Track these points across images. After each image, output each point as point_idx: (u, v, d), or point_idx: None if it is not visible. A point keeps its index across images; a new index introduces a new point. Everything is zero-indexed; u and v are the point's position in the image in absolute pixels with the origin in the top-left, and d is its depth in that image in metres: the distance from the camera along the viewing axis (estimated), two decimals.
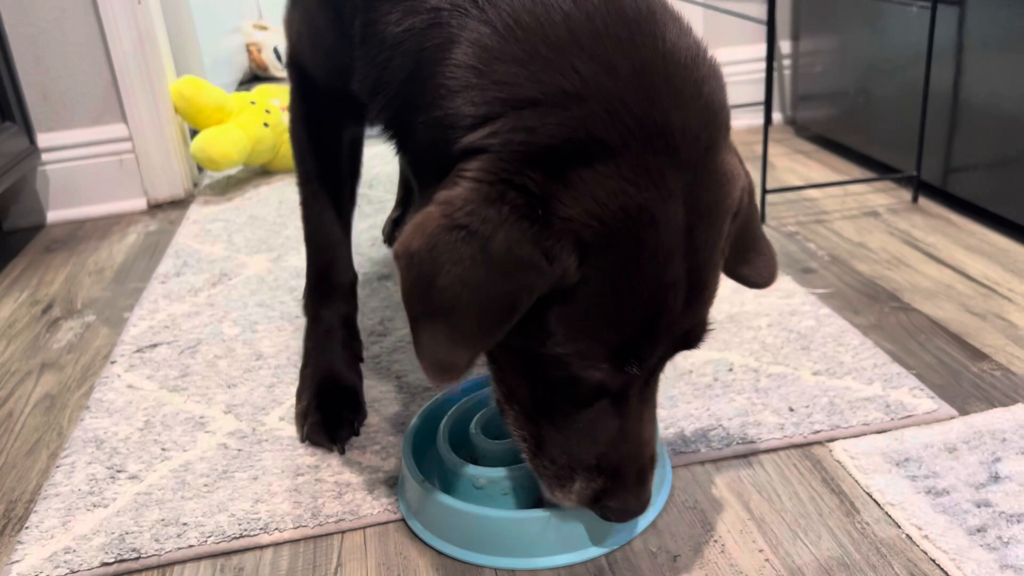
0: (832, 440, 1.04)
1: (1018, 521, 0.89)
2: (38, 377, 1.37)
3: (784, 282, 1.46)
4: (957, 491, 0.94)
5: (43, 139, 2.07)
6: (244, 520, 0.97)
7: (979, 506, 0.91)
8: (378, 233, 1.81)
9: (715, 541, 0.90)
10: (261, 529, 0.96)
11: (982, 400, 1.11)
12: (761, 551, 0.89)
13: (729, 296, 1.40)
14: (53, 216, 2.13)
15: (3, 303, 1.67)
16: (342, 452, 1.08)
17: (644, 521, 0.93)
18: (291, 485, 1.03)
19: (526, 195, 0.67)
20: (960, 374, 1.17)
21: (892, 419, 1.07)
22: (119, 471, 1.08)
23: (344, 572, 0.90)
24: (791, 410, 1.10)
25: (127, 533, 0.97)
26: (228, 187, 2.24)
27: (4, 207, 2.10)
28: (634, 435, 0.80)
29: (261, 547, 0.95)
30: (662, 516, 0.94)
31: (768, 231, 1.71)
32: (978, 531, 0.88)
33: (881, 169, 2.02)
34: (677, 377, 1.18)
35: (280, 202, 2.08)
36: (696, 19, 2.28)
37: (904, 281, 1.46)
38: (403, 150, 0.84)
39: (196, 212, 2.07)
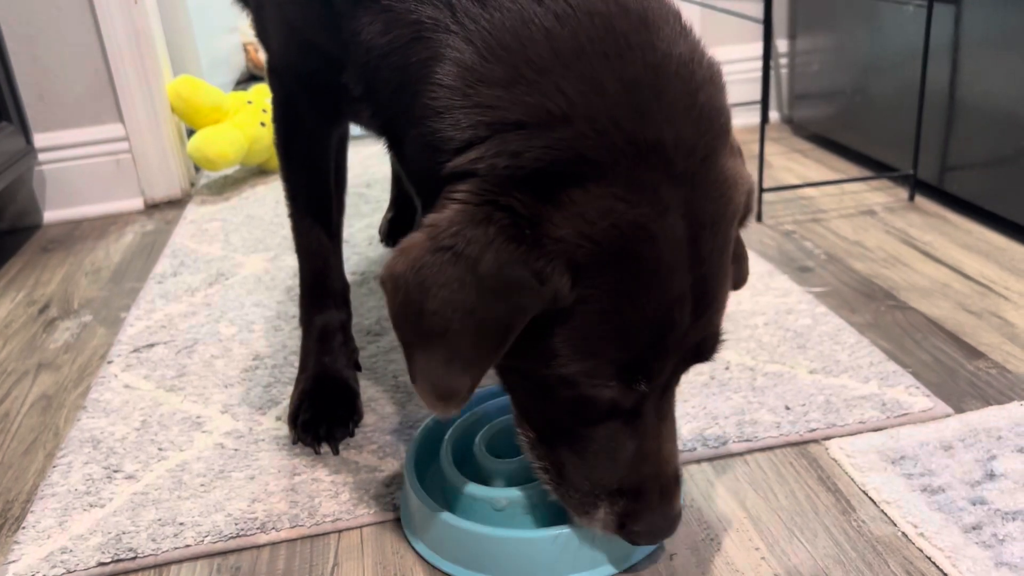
0: (828, 438, 1.05)
1: (1013, 518, 0.89)
2: (35, 377, 1.37)
3: (781, 281, 1.46)
4: (953, 489, 0.94)
5: (39, 139, 2.07)
6: (241, 520, 0.97)
7: (975, 504, 0.91)
8: (375, 232, 1.81)
9: (711, 539, 0.91)
10: (258, 529, 0.96)
11: (978, 398, 1.11)
12: (757, 549, 0.89)
13: None
14: (50, 216, 2.13)
15: (0, 303, 1.67)
16: (336, 452, 1.08)
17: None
18: (288, 485, 1.03)
19: (513, 216, 0.66)
20: (956, 372, 1.17)
21: (888, 417, 1.07)
22: (116, 471, 1.08)
23: (341, 571, 0.90)
24: (787, 408, 1.10)
25: (124, 533, 0.97)
26: (225, 187, 2.24)
27: (1, 207, 2.10)
28: (653, 453, 0.77)
29: (258, 547, 0.95)
30: None
31: (765, 230, 1.71)
32: (973, 529, 0.88)
33: (878, 168, 2.02)
34: None
35: (277, 202, 2.08)
36: (693, 18, 2.28)
37: (900, 279, 1.47)
38: (399, 158, 0.84)
39: (193, 212, 2.07)
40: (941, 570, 0.84)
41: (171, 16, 2.38)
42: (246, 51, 3.45)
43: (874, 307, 1.37)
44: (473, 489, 0.90)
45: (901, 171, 1.87)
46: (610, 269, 0.67)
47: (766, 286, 1.44)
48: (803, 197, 1.89)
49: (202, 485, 1.04)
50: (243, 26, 3.45)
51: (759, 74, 2.35)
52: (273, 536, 0.95)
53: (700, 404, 1.12)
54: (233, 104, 2.27)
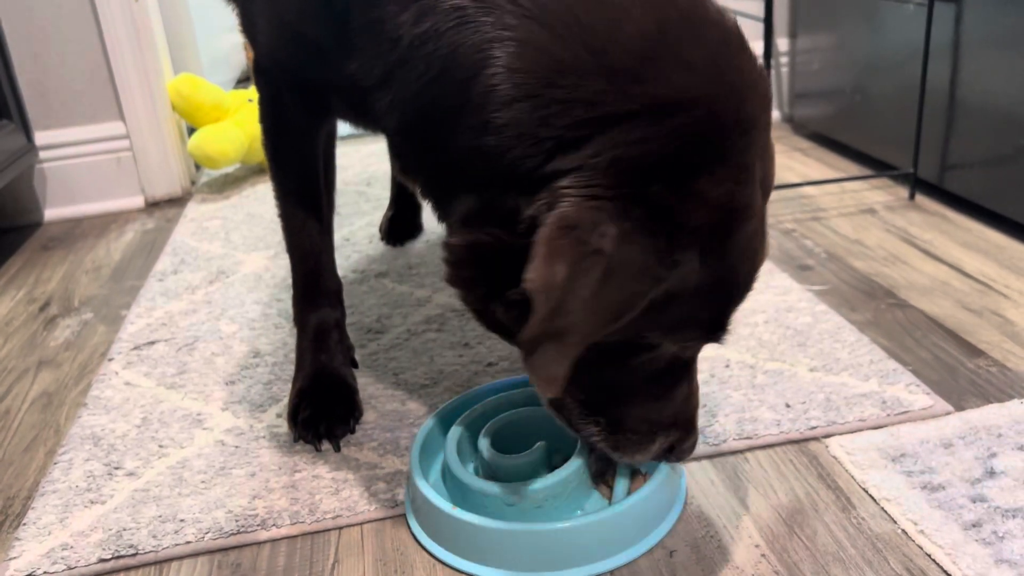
0: (828, 436, 1.05)
1: (1013, 516, 0.89)
2: (35, 374, 1.37)
3: (781, 279, 1.46)
4: (953, 486, 0.94)
5: (40, 137, 2.07)
6: (241, 516, 0.98)
7: (975, 501, 0.91)
8: (375, 231, 1.81)
9: (711, 537, 0.91)
10: (258, 525, 0.96)
11: (978, 396, 1.11)
12: (757, 546, 0.89)
13: None
14: (50, 214, 2.13)
15: (0, 301, 1.67)
16: (337, 449, 1.08)
17: (663, 531, 0.92)
18: (288, 481, 1.03)
19: (649, 209, 0.66)
20: (956, 370, 1.17)
21: (888, 415, 1.07)
22: (116, 468, 1.08)
23: (341, 568, 0.91)
24: (787, 406, 1.10)
25: (124, 530, 0.97)
26: (225, 185, 2.24)
27: (1, 205, 2.10)
28: (694, 389, 0.86)
29: (258, 543, 0.95)
30: None
31: None
32: (974, 526, 0.88)
33: (878, 166, 2.02)
34: None
35: None
36: None
37: (901, 278, 1.47)
38: (417, 156, 0.82)
39: (193, 210, 2.07)
40: (941, 567, 0.84)
41: (172, 14, 2.38)
42: (246, 50, 3.45)
43: (874, 305, 1.37)
44: (483, 485, 0.90)
45: (901, 170, 1.87)
46: (723, 246, 0.71)
47: (766, 284, 1.44)
48: (803, 195, 1.89)
49: (203, 482, 1.04)
50: None
51: None
52: (274, 533, 0.95)
53: (700, 401, 1.12)
54: (234, 102, 2.27)
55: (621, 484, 0.91)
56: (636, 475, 0.94)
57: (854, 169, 2.06)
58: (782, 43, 2.41)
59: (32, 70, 2.03)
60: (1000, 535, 0.86)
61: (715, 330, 0.77)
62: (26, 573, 0.92)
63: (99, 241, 1.96)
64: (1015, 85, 1.54)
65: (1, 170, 1.81)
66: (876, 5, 1.93)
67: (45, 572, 0.92)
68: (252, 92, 2.32)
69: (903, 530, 0.89)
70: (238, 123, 2.22)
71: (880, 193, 1.88)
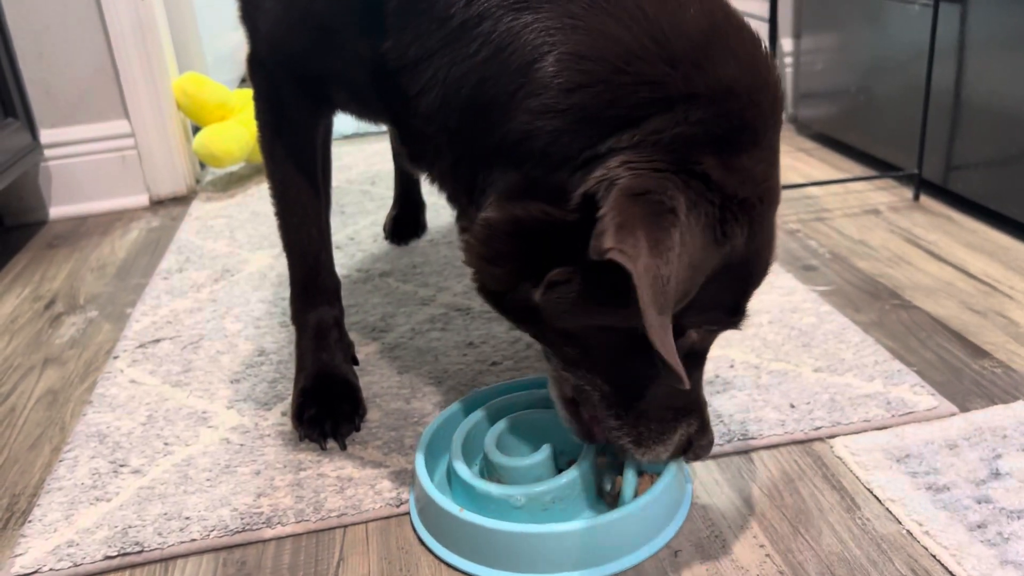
0: (833, 436, 1.05)
1: (1018, 517, 0.89)
2: (41, 372, 1.37)
3: (785, 279, 1.46)
4: (958, 487, 0.94)
5: (46, 135, 2.08)
6: (246, 514, 0.98)
7: (980, 502, 0.91)
8: (379, 230, 1.81)
9: (716, 537, 0.91)
10: (263, 523, 0.96)
11: (983, 397, 1.11)
12: (762, 547, 0.89)
13: None
14: (55, 212, 2.14)
15: (6, 299, 1.68)
16: (343, 447, 1.08)
17: (671, 532, 0.92)
18: (293, 480, 1.03)
19: (705, 181, 0.70)
20: (961, 371, 1.17)
21: (893, 416, 1.07)
22: (122, 465, 1.09)
23: (346, 566, 0.91)
24: (792, 407, 1.10)
25: (130, 527, 0.97)
26: (230, 183, 2.25)
27: (7, 203, 2.10)
28: (702, 375, 0.88)
29: (263, 541, 0.95)
30: None
31: None
32: (979, 527, 0.88)
33: (882, 167, 2.02)
34: None
35: None
36: None
37: (905, 278, 1.47)
38: (451, 136, 0.82)
39: (198, 208, 2.07)
40: (946, 568, 0.84)
41: (177, 13, 2.39)
42: None
43: (879, 306, 1.37)
44: (489, 487, 0.90)
45: (906, 170, 1.87)
46: (762, 227, 0.75)
47: (770, 284, 1.44)
48: (808, 196, 1.89)
49: (208, 480, 1.04)
50: None
51: None
52: (279, 531, 0.96)
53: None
54: (239, 101, 2.27)
55: (629, 486, 0.91)
56: (642, 477, 0.94)
57: (858, 170, 2.06)
58: (786, 43, 2.41)
59: (37, 68, 2.04)
60: (1005, 536, 0.86)
61: (735, 313, 0.80)
62: (32, 570, 0.92)
63: (104, 239, 1.96)
64: (1020, 86, 1.54)
65: (6, 168, 1.82)
66: (881, 5, 1.92)
67: (51, 569, 0.92)
68: None
69: (908, 531, 0.89)
70: (243, 122, 2.22)
71: (884, 194, 1.88)
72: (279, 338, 1.38)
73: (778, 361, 1.21)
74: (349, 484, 1.02)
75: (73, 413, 1.24)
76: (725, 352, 1.24)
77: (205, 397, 1.23)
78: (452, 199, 0.89)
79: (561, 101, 0.72)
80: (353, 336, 1.29)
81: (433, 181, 0.91)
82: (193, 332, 1.43)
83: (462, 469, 0.93)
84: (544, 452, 0.93)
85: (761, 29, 2.03)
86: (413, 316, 1.43)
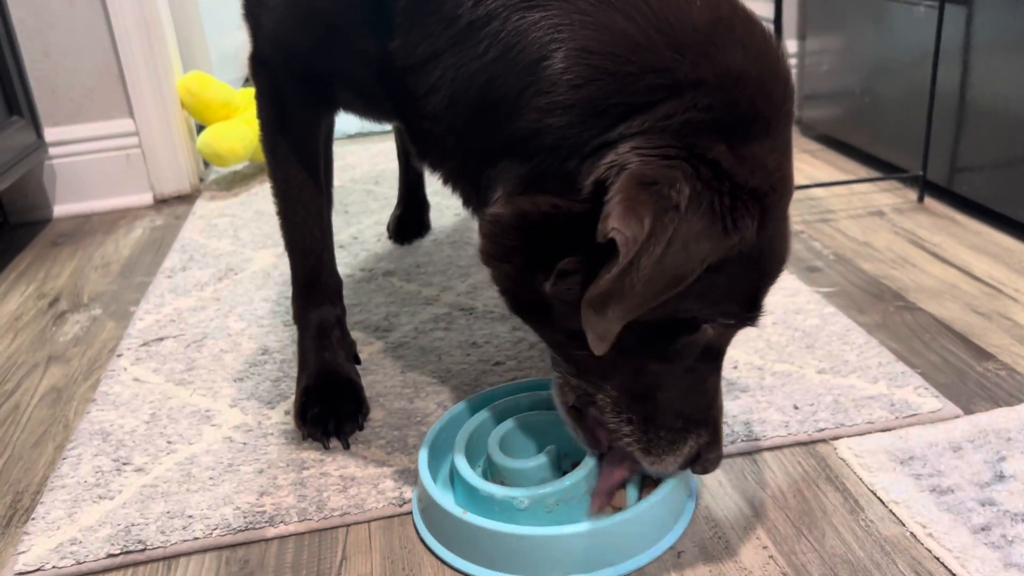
0: (837, 438, 1.04)
1: (1023, 520, 0.89)
2: (44, 370, 1.37)
3: (789, 280, 1.46)
4: (962, 489, 0.94)
5: (50, 133, 2.08)
6: (249, 513, 0.98)
7: (984, 505, 0.91)
8: (383, 229, 1.81)
9: (719, 538, 0.91)
10: (266, 522, 0.96)
11: (987, 399, 1.11)
12: (765, 548, 0.89)
13: None
14: (60, 210, 2.14)
15: (10, 296, 1.68)
16: (346, 446, 1.08)
17: (676, 534, 0.91)
18: (296, 479, 1.03)
19: (715, 169, 0.69)
20: (965, 373, 1.17)
21: (897, 418, 1.07)
22: (125, 463, 1.09)
23: (349, 565, 0.91)
24: (796, 408, 1.10)
25: (133, 525, 0.97)
26: (234, 182, 2.25)
27: (11, 201, 2.11)
28: (720, 387, 0.86)
29: (266, 540, 0.95)
30: None
31: None
32: (982, 529, 0.88)
33: (887, 169, 2.02)
34: None
35: None
36: None
37: (909, 280, 1.46)
38: (459, 135, 0.82)
39: (202, 207, 2.07)
40: (950, 570, 0.84)
41: (181, 12, 2.39)
42: None
43: (883, 308, 1.37)
44: (493, 488, 0.90)
45: (910, 172, 1.87)
46: (773, 215, 0.74)
47: (774, 285, 1.43)
48: (812, 197, 1.89)
49: (211, 478, 1.04)
50: None
51: None
52: (281, 530, 0.96)
53: None
54: (243, 100, 2.27)
55: (632, 491, 0.91)
56: (646, 481, 0.93)
57: (863, 171, 2.05)
58: (791, 45, 2.40)
59: (42, 67, 2.04)
60: (1009, 539, 0.86)
61: (751, 308, 0.79)
62: (35, 567, 0.92)
63: (108, 237, 1.96)
64: None
65: (11, 166, 1.82)
66: (886, 7, 1.92)
67: (54, 567, 0.92)
68: None
69: (911, 533, 0.89)
70: (247, 120, 2.22)
71: (889, 195, 1.88)
72: (282, 337, 1.38)
73: (782, 362, 1.21)
74: (352, 483, 1.02)
75: (77, 411, 1.24)
76: (729, 353, 1.22)
77: (208, 395, 1.23)
78: (465, 200, 0.89)
79: (570, 97, 0.72)
80: (356, 335, 1.29)
81: (445, 182, 0.91)
82: (197, 331, 1.43)
83: (465, 470, 0.93)
84: (547, 454, 0.93)
85: None
86: (416, 315, 1.43)
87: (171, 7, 2.22)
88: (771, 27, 0.86)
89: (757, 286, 0.78)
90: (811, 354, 1.22)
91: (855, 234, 1.68)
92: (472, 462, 0.96)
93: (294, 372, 1.24)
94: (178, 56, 2.22)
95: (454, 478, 0.96)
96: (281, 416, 1.16)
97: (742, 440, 1.04)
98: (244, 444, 1.11)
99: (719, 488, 0.98)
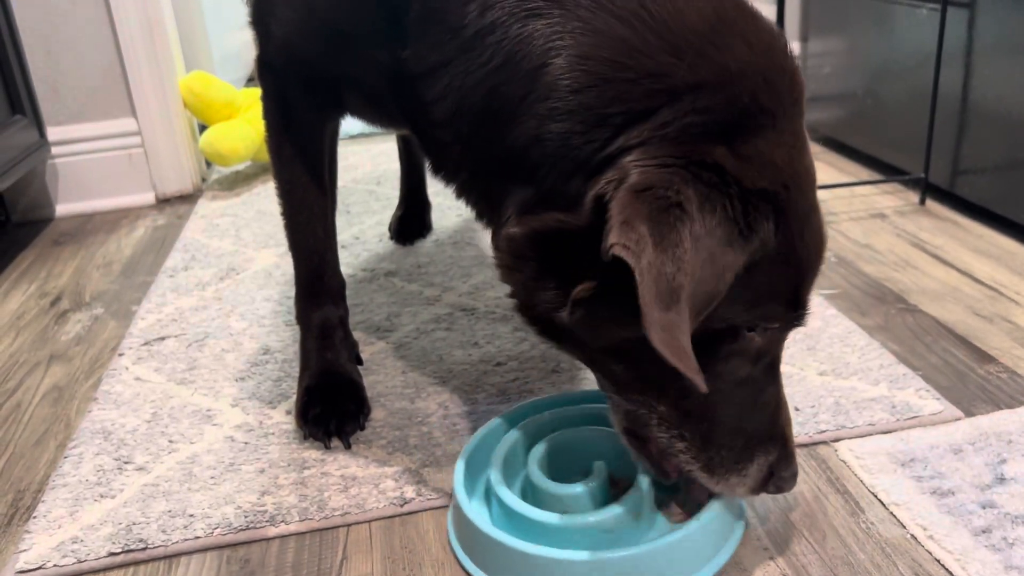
0: (838, 440, 1.04)
1: (1023, 522, 0.89)
2: (46, 368, 1.37)
3: None
4: (962, 492, 0.94)
5: (53, 132, 2.08)
6: (250, 512, 0.98)
7: (984, 507, 0.91)
8: (384, 230, 1.81)
9: None
10: (267, 521, 0.96)
11: (988, 402, 1.11)
12: (766, 549, 0.89)
13: None
14: (62, 209, 2.14)
15: (12, 295, 1.68)
16: (347, 446, 1.08)
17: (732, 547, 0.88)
18: (297, 478, 1.03)
19: (719, 173, 0.68)
20: (966, 376, 1.17)
21: (898, 420, 1.07)
22: (126, 462, 1.09)
23: (349, 565, 0.91)
24: (797, 410, 1.10)
25: (134, 524, 0.97)
26: (236, 182, 2.25)
27: (13, 200, 2.11)
28: (784, 398, 0.83)
29: (267, 539, 0.95)
30: None
31: None
32: (983, 532, 0.88)
33: (888, 171, 2.02)
34: None
35: None
36: None
37: (911, 283, 1.46)
38: (467, 146, 0.82)
39: (204, 207, 2.08)
40: (950, 573, 0.84)
41: (184, 11, 2.39)
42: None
43: (884, 310, 1.37)
44: (578, 518, 0.85)
45: (912, 174, 1.87)
46: (795, 212, 0.72)
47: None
48: None
49: (212, 477, 1.04)
50: None
51: None
52: (282, 529, 0.96)
53: None
54: (245, 100, 2.28)
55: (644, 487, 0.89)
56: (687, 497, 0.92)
57: (864, 174, 2.05)
58: (793, 47, 2.40)
59: (45, 66, 2.04)
60: (1010, 541, 0.86)
61: (795, 306, 0.76)
62: (36, 566, 0.92)
63: (110, 237, 1.96)
64: None
65: (14, 165, 1.82)
66: (888, 9, 1.92)
67: (55, 565, 0.92)
68: None
69: (912, 535, 0.89)
70: (249, 121, 2.22)
71: (891, 198, 1.88)
72: (284, 337, 1.38)
73: (783, 364, 1.20)
74: (353, 483, 1.02)
75: (78, 410, 1.24)
76: None
77: (210, 395, 1.23)
78: (478, 215, 0.89)
79: (568, 103, 0.72)
80: (358, 335, 1.29)
81: (459, 196, 0.91)
82: (198, 330, 1.43)
83: (524, 507, 0.88)
84: (598, 475, 0.90)
85: None
86: (418, 316, 1.43)
87: (174, 7, 2.23)
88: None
89: (796, 284, 0.76)
90: (812, 356, 1.22)
91: (857, 236, 1.68)
92: (508, 477, 0.93)
93: (295, 372, 1.24)
94: (181, 56, 2.22)
95: (492, 498, 0.92)
96: (282, 416, 1.17)
97: None
98: (245, 443, 1.11)
99: None
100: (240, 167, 2.34)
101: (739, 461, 0.80)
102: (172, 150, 2.15)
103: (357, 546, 0.93)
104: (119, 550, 0.94)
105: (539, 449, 0.94)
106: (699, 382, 0.65)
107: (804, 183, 0.74)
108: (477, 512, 0.90)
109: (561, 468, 0.94)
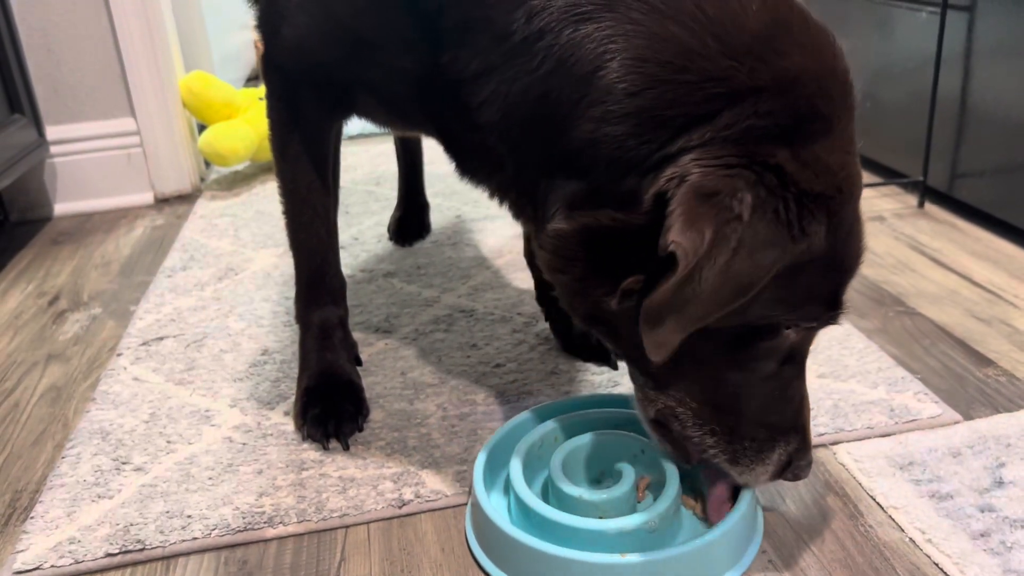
0: (836, 443, 1.05)
1: (1022, 526, 0.89)
2: (44, 368, 1.37)
3: None
4: (961, 495, 0.94)
5: (52, 132, 2.08)
6: (248, 513, 0.98)
7: (983, 511, 0.91)
8: (383, 230, 1.81)
9: None
10: (265, 523, 0.96)
11: (987, 405, 1.11)
12: (764, 552, 0.89)
13: None
14: (60, 209, 2.14)
15: (10, 294, 1.68)
16: (346, 447, 1.08)
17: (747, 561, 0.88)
18: (295, 479, 1.03)
19: (779, 175, 0.69)
20: (965, 379, 1.17)
21: (896, 423, 1.07)
22: (124, 463, 1.09)
23: (347, 566, 0.91)
24: None
25: (132, 524, 0.97)
26: (235, 182, 2.25)
27: (12, 199, 2.10)
28: (806, 391, 0.85)
29: (265, 540, 0.95)
30: None
31: None
32: (981, 536, 0.88)
33: (887, 174, 2.02)
34: None
35: None
36: None
37: (909, 286, 1.46)
38: (514, 148, 0.82)
39: (203, 207, 2.07)
40: None
41: (184, 12, 2.39)
42: (257, 48, 3.46)
43: (883, 313, 1.37)
44: (626, 521, 0.85)
45: (911, 178, 1.87)
46: (843, 217, 0.74)
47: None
48: None
49: (210, 478, 1.04)
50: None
51: None
52: (280, 530, 0.96)
53: None
54: (245, 100, 2.28)
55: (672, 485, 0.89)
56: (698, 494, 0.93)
57: (863, 176, 2.05)
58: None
59: (45, 65, 2.04)
60: (1008, 545, 0.86)
61: (833, 306, 0.78)
62: (33, 567, 0.92)
63: (109, 236, 1.96)
64: None
65: (12, 164, 1.82)
66: (888, 12, 1.92)
67: (52, 566, 0.92)
68: (263, 90, 2.32)
69: (911, 539, 0.89)
70: (249, 121, 2.22)
71: (889, 201, 1.88)
72: (282, 337, 1.38)
73: None
74: (351, 484, 1.02)
75: (76, 410, 1.24)
76: None
77: (208, 395, 1.23)
78: (516, 212, 0.89)
79: (625, 106, 0.72)
80: (356, 336, 1.29)
81: (492, 195, 0.91)
82: (197, 330, 1.43)
83: (566, 518, 0.87)
84: (628, 478, 0.90)
85: None
86: (417, 317, 1.43)
87: (173, 6, 2.22)
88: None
89: (836, 285, 0.78)
90: (811, 358, 1.21)
91: None
92: (528, 477, 0.93)
93: (294, 373, 1.24)
94: (180, 55, 2.22)
95: (515, 502, 0.92)
96: (281, 417, 1.16)
97: None
98: (244, 444, 1.11)
99: None
100: (239, 167, 2.33)
101: (762, 451, 0.83)
102: (171, 150, 2.15)
103: (355, 548, 0.93)
104: (116, 551, 0.93)
105: (560, 455, 0.94)
106: (656, 356, 0.70)
107: (854, 187, 0.75)
108: (517, 529, 0.87)
109: (573, 473, 0.94)
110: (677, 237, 0.66)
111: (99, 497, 1.02)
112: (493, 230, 1.78)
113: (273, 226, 1.89)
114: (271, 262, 1.69)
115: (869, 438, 1.05)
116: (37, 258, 1.86)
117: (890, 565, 0.86)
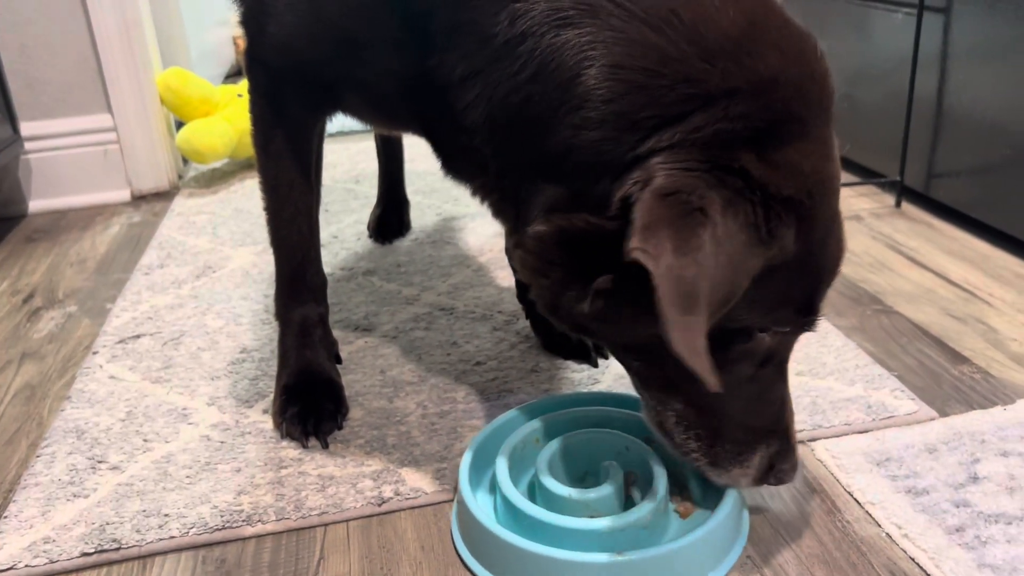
0: (814, 440, 1.05)
1: (996, 521, 0.90)
2: (18, 367, 1.35)
3: None
4: (936, 491, 0.95)
5: (26, 128, 2.05)
6: (226, 512, 0.97)
7: (958, 506, 0.92)
8: (363, 228, 1.81)
9: None
10: (244, 521, 0.96)
11: (962, 402, 1.12)
12: (743, 547, 0.89)
13: None
14: (35, 205, 2.11)
15: None
16: (324, 445, 1.08)
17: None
18: (274, 478, 1.03)
19: (745, 178, 0.69)
20: (940, 376, 1.18)
21: (873, 420, 1.08)
22: (100, 462, 1.07)
23: (326, 565, 0.90)
24: None
25: (108, 524, 0.96)
26: (213, 180, 2.23)
27: None
28: (788, 393, 0.85)
29: (243, 539, 0.94)
30: None
31: None
32: (957, 531, 0.89)
33: (865, 174, 2.04)
34: None
35: None
36: None
37: (886, 284, 1.48)
38: (497, 150, 0.82)
39: (180, 204, 2.06)
40: (924, 571, 0.84)
41: (161, 7, 2.37)
42: (235, 44, 3.44)
43: (860, 311, 1.38)
44: (618, 519, 0.85)
45: (888, 177, 1.89)
46: (816, 220, 0.73)
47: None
48: None
49: (187, 477, 1.03)
50: (234, 20, 3.44)
51: None
52: (259, 528, 0.95)
53: None
54: (223, 97, 2.26)
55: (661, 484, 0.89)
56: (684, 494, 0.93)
57: (841, 176, 2.07)
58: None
59: (19, 60, 2.01)
60: (983, 540, 0.87)
61: (808, 312, 0.78)
62: (7, 567, 0.91)
63: (84, 233, 1.94)
64: (1001, 95, 1.56)
65: None
66: (865, 13, 1.94)
67: (26, 566, 0.91)
68: (242, 87, 2.31)
69: (887, 534, 0.90)
70: (227, 118, 2.21)
71: (867, 200, 1.89)
72: (261, 335, 1.37)
73: None
74: (330, 483, 1.01)
75: (51, 408, 1.22)
76: None
77: (185, 394, 1.22)
78: (497, 212, 0.89)
79: (602, 112, 0.72)
80: (336, 334, 1.29)
81: (475, 193, 0.91)
82: (174, 328, 1.42)
83: (559, 518, 0.86)
84: (614, 477, 0.90)
85: None
86: (397, 315, 1.43)
87: (151, 3, 2.20)
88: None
89: (811, 291, 0.77)
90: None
91: None
92: (514, 476, 0.93)
93: (272, 371, 1.23)
94: (157, 52, 2.20)
95: (501, 502, 0.91)
96: (259, 415, 1.16)
97: None
98: (222, 443, 1.10)
99: None
100: (217, 164, 2.32)
101: (741, 453, 0.83)
102: (148, 147, 2.13)
103: (334, 546, 0.93)
104: (92, 550, 0.92)
105: (546, 455, 0.94)
106: (712, 382, 0.66)
107: (828, 191, 0.75)
108: (505, 531, 0.87)
109: (558, 473, 0.94)
110: (636, 243, 0.66)
111: (74, 496, 1.01)
112: (474, 228, 1.78)
113: (252, 224, 1.88)
114: (249, 260, 1.68)
115: (846, 435, 1.06)
116: (11, 255, 1.84)
117: (867, 560, 0.87)
